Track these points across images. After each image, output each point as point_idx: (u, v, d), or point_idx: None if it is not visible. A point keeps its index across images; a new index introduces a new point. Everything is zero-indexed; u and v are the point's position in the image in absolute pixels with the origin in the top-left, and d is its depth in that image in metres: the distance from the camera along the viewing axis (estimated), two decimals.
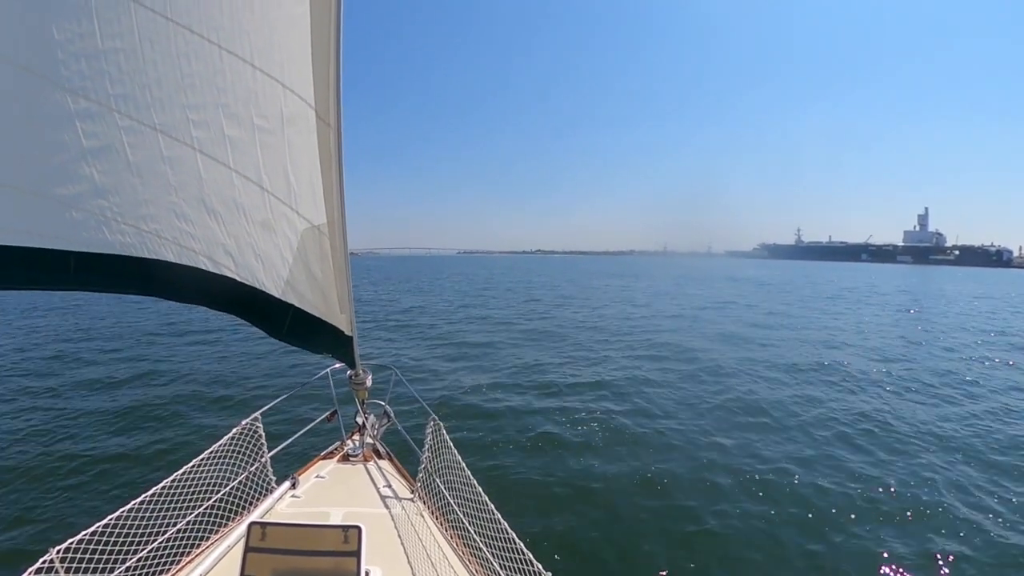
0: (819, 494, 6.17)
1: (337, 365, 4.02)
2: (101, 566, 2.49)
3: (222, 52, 2.49)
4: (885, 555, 4.99)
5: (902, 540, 5.27)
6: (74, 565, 2.38)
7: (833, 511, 5.79)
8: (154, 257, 2.79)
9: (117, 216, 2.62)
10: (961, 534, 5.40)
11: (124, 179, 2.56)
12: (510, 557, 2.55)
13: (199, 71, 2.49)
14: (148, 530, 2.73)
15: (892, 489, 6.31)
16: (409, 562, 2.73)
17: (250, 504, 3.23)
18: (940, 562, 4.92)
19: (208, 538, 2.90)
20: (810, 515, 5.71)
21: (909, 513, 5.78)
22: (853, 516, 5.69)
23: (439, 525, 3.11)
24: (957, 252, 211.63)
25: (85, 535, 2.45)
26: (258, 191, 2.92)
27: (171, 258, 2.84)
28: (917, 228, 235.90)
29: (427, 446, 3.48)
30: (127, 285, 2.87)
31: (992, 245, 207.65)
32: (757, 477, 6.58)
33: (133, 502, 2.75)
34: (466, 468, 3.19)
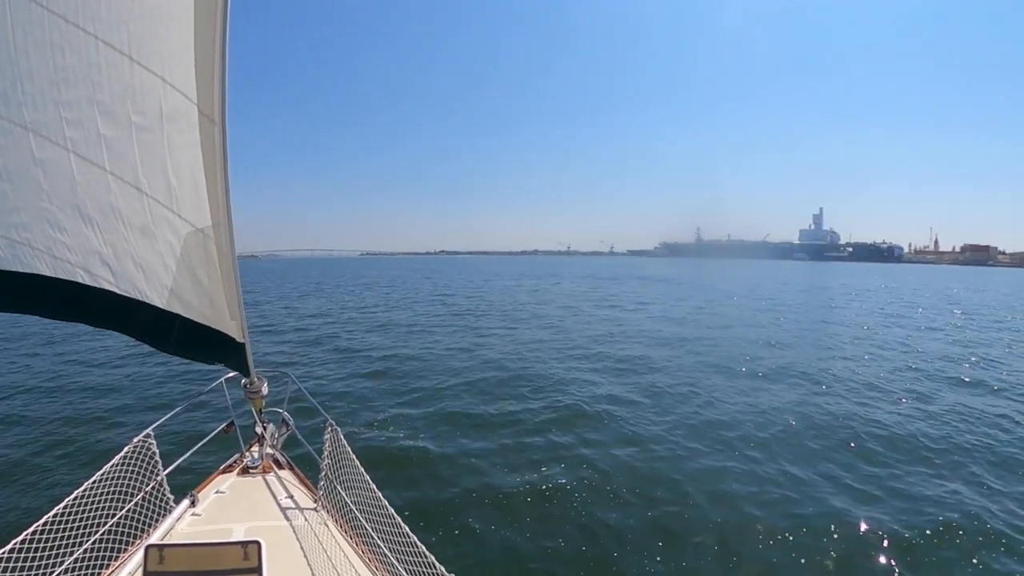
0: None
1: (232, 374, 4.02)
2: None
3: (99, 43, 2.50)
4: None
5: None
6: None
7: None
8: (27, 271, 2.74)
9: None
10: None
11: None
12: (415, 561, 2.73)
13: (73, 64, 2.49)
14: (37, 566, 2.66)
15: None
16: (314, 573, 2.85)
17: (148, 526, 3.20)
18: None
19: (107, 566, 2.85)
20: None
21: None
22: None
23: (343, 533, 3.24)
24: (851, 249, 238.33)
25: None
26: (136, 194, 2.92)
27: (45, 271, 2.80)
28: (812, 227, 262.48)
29: (326, 453, 3.59)
30: None
31: (884, 242, 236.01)
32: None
33: (22, 534, 2.68)
34: (365, 474, 3.33)
